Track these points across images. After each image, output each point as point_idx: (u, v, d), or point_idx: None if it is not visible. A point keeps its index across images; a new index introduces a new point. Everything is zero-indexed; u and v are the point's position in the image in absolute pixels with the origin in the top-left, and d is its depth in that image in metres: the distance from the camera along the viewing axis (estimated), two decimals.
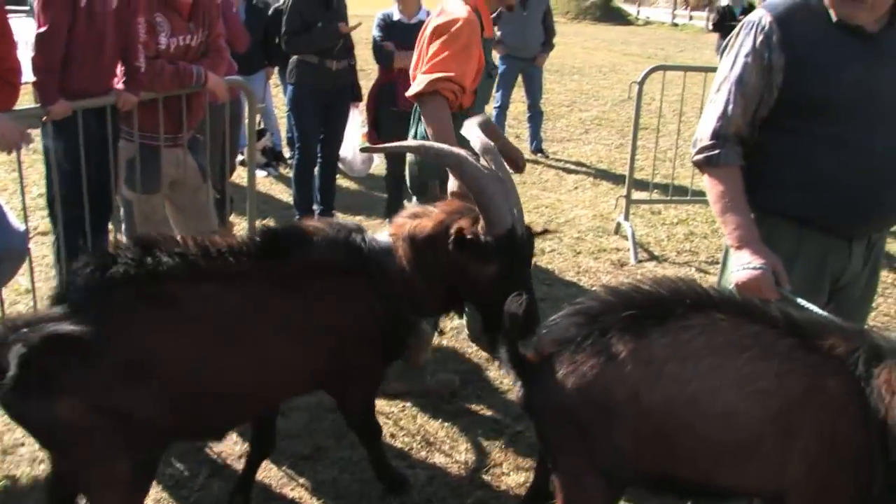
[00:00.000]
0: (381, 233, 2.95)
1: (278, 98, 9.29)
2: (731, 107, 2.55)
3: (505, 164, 2.95)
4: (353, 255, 2.83)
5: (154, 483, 2.93)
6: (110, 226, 4.43)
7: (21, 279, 4.52)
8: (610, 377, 2.15)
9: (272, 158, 8.07)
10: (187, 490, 3.26)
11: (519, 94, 9.49)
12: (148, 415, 2.42)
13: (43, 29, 3.76)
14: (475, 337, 4.07)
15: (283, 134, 8.16)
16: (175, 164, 4.42)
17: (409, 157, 3.77)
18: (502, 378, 4.03)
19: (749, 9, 11.01)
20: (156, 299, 2.50)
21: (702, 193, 2.66)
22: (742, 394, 2.09)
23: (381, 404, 3.74)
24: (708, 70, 6.47)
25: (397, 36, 5.79)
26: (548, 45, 8.91)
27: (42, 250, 5.22)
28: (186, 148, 4.48)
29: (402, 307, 2.90)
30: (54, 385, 2.32)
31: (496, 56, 8.28)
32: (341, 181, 7.23)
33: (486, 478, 3.42)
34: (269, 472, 3.37)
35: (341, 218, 5.96)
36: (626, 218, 6.47)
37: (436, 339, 4.27)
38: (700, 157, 2.61)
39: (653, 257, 6.17)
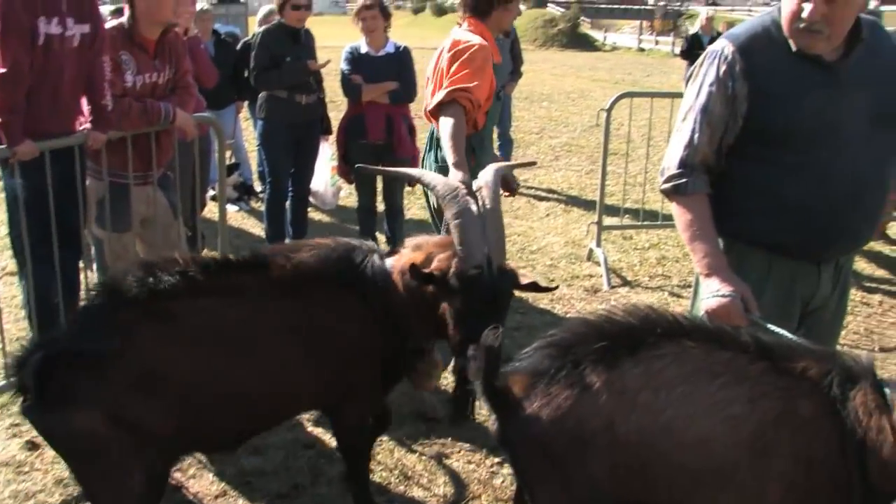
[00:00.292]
0: (389, 258, 3.07)
1: (248, 132, 9.28)
2: (697, 136, 2.58)
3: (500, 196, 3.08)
4: (348, 271, 2.95)
5: None
6: (80, 264, 4.39)
7: None
8: (584, 409, 2.15)
9: (243, 193, 8.05)
10: None
11: None
12: (159, 425, 2.57)
13: (4, 70, 3.70)
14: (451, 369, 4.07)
15: (255, 167, 8.14)
16: (145, 202, 4.41)
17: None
18: (480, 410, 4.02)
19: (717, 37, 11.12)
20: (161, 316, 2.67)
21: (672, 218, 2.69)
22: (715, 420, 2.09)
23: None
24: (675, 96, 6.54)
25: (365, 69, 5.80)
26: (516, 74, 8.93)
27: (11, 290, 5.15)
28: (157, 185, 4.46)
29: (400, 329, 2.98)
30: (72, 397, 2.49)
31: None
32: (313, 214, 7.22)
33: None
34: None
35: None
36: (598, 244, 6.50)
37: None
38: (668, 185, 2.64)
39: (626, 283, 6.20)
